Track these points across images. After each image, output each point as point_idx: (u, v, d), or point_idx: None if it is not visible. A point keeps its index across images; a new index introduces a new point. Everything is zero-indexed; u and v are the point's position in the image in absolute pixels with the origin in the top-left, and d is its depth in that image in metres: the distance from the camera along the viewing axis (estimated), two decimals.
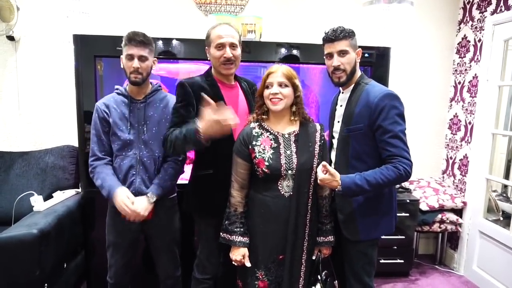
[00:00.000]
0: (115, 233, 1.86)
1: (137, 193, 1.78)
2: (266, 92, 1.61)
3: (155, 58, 1.84)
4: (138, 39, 1.71)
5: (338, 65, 1.63)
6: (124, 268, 1.90)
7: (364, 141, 1.62)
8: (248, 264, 1.65)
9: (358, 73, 1.72)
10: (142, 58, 1.74)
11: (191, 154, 1.98)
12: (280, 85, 1.60)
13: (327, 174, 1.53)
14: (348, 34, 1.62)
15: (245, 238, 1.64)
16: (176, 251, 1.98)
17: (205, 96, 1.54)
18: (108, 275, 1.92)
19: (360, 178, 1.54)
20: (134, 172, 1.80)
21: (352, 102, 1.67)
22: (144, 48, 1.74)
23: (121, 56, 1.79)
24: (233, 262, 1.67)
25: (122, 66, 1.80)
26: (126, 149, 1.80)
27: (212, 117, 1.47)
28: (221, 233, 1.67)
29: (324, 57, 1.71)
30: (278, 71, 1.61)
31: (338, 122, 1.73)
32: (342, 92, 1.76)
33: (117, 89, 1.86)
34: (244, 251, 1.65)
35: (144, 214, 1.75)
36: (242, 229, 1.64)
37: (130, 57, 1.72)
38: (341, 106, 1.75)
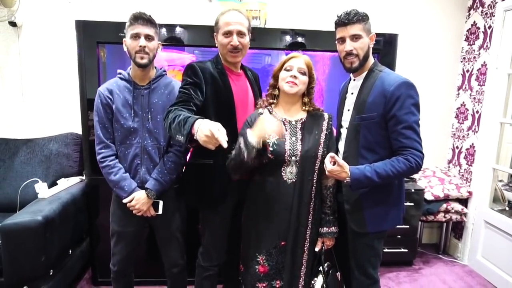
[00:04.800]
0: (118, 222, 1.84)
1: (142, 182, 1.77)
2: (284, 74, 1.62)
3: (160, 42, 1.79)
4: (145, 17, 1.67)
5: (351, 50, 1.57)
6: (128, 257, 1.88)
7: (376, 130, 1.57)
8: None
9: (371, 59, 1.65)
10: (148, 37, 1.68)
11: None
12: (300, 71, 1.61)
13: (335, 165, 1.51)
14: (362, 18, 1.55)
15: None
16: (182, 239, 1.96)
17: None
18: (111, 262, 1.90)
19: (370, 169, 1.50)
20: (138, 161, 1.76)
21: (365, 90, 1.60)
22: (151, 28, 1.69)
23: (124, 39, 1.73)
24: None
25: (125, 49, 1.73)
26: (130, 138, 1.75)
27: (212, 131, 1.32)
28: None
29: (336, 42, 1.64)
30: (301, 58, 1.63)
31: (349, 110, 1.67)
32: (354, 79, 1.70)
33: (119, 73, 1.79)
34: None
35: (142, 208, 1.74)
36: None
37: (136, 36, 1.66)
38: (352, 94, 1.68)
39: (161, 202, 1.79)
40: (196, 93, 1.62)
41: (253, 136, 1.45)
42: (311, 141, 1.62)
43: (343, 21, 1.56)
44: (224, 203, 1.71)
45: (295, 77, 1.59)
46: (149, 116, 1.75)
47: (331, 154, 1.53)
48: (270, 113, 1.67)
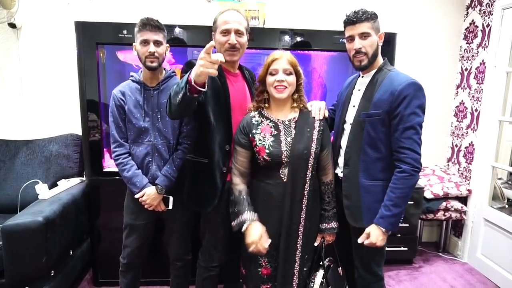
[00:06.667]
0: (131, 215, 1.90)
1: (154, 178, 1.83)
2: (271, 79, 1.58)
3: (168, 45, 1.84)
4: (153, 23, 1.72)
5: (360, 48, 1.58)
6: (138, 249, 1.93)
7: (380, 128, 1.58)
8: (266, 244, 1.57)
9: (381, 58, 1.67)
10: (157, 43, 1.74)
11: None
12: (285, 72, 1.58)
13: (368, 240, 1.57)
14: (370, 16, 1.57)
15: (256, 215, 1.60)
16: (188, 235, 2.01)
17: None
18: (121, 255, 1.96)
19: (386, 209, 1.54)
20: (150, 159, 1.83)
21: (373, 87, 1.62)
22: (159, 33, 1.75)
23: (134, 44, 1.79)
24: (250, 249, 1.56)
25: (135, 54, 1.79)
26: (141, 137, 1.81)
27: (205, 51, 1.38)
28: (232, 223, 1.63)
29: (345, 41, 1.65)
30: (283, 58, 1.58)
31: (354, 106, 1.68)
32: (362, 76, 1.71)
33: (132, 76, 1.86)
34: (261, 228, 1.57)
35: (153, 203, 1.81)
36: (251, 207, 1.61)
37: (145, 42, 1.72)
38: (359, 90, 1.70)
39: (171, 198, 1.85)
40: None
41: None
42: (303, 139, 1.61)
43: (351, 20, 1.58)
44: (212, 205, 1.71)
45: (282, 80, 1.56)
46: (159, 116, 1.81)
47: (360, 240, 1.60)
48: (263, 115, 1.66)
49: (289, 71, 1.58)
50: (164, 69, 1.88)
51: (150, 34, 1.72)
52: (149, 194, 1.79)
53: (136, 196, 1.80)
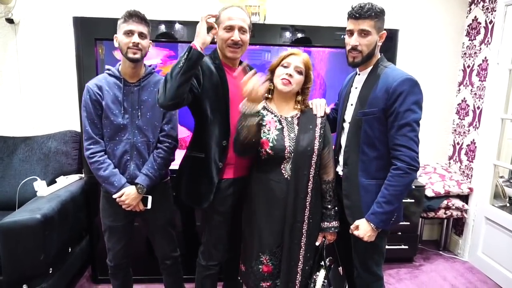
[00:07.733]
0: (109, 217, 1.85)
1: (132, 178, 1.77)
2: (280, 71, 1.59)
3: (151, 41, 1.80)
4: (140, 15, 1.70)
5: (356, 45, 1.55)
6: (122, 250, 1.90)
7: (377, 126, 1.56)
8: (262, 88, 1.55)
9: (378, 55, 1.64)
10: (142, 35, 1.71)
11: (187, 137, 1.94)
12: (297, 69, 1.58)
13: (357, 232, 1.57)
14: (374, 14, 1.51)
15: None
16: (173, 232, 1.98)
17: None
18: (107, 258, 1.92)
19: (378, 206, 1.53)
20: (128, 158, 1.77)
21: (368, 85, 1.60)
22: (145, 26, 1.72)
23: (116, 35, 1.74)
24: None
25: (116, 45, 1.74)
26: (119, 134, 1.75)
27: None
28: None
29: (345, 32, 1.62)
30: (300, 56, 1.60)
31: (352, 105, 1.66)
32: (359, 74, 1.69)
33: (108, 69, 1.79)
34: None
35: (132, 203, 1.75)
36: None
37: (130, 33, 1.68)
38: (356, 88, 1.68)
39: (150, 197, 1.80)
40: (193, 80, 1.58)
41: (245, 103, 1.51)
42: (306, 136, 1.61)
43: (354, 14, 1.54)
44: (208, 201, 1.70)
45: (290, 75, 1.56)
46: (139, 113, 1.76)
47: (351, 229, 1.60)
48: (266, 109, 1.66)
49: (300, 69, 1.59)
50: (144, 65, 1.83)
51: (136, 25, 1.69)
52: (128, 194, 1.73)
53: (114, 196, 1.73)
